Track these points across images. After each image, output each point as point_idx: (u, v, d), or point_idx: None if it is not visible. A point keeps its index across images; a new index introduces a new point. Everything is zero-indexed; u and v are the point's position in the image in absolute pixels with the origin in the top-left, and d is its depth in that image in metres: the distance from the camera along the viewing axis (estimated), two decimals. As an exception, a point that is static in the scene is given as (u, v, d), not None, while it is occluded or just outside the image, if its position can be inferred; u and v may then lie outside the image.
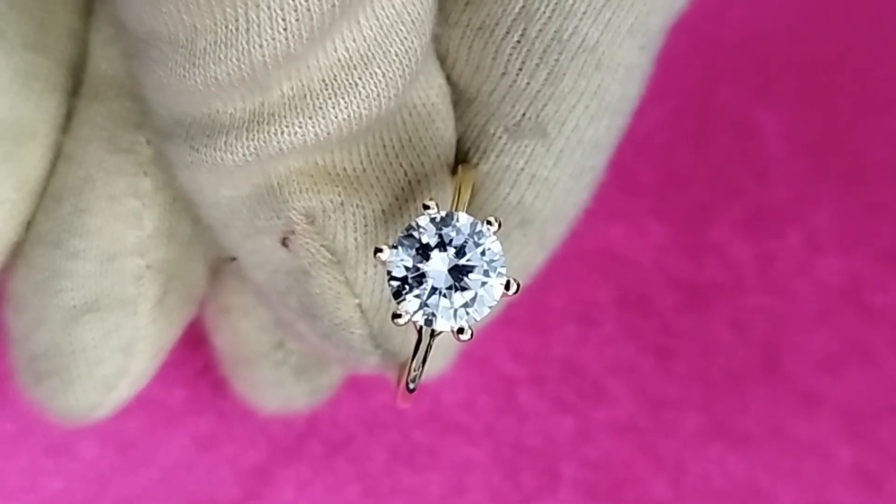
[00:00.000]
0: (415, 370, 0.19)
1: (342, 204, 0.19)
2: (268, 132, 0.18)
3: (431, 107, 0.20)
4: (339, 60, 0.18)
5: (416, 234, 0.18)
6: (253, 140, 0.18)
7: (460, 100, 0.21)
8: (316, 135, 0.18)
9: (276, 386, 0.25)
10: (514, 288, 0.18)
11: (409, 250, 0.18)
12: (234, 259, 0.22)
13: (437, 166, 0.20)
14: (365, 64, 0.18)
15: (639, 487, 0.29)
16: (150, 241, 0.22)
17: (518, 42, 0.20)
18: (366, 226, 0.20)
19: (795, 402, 0.29)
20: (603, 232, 0.30)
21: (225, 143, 0.18)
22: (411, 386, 0.19)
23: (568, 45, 0.19)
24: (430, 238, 0.18)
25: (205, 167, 0.19)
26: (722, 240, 0.30)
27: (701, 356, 0.29)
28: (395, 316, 0.18)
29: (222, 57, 0.17)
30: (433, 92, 0.20)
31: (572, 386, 0.29)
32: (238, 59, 0.17)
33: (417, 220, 0.18)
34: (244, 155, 0.18)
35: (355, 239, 0.20)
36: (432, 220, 0.18)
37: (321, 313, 0.20)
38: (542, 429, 0.29)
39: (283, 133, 0.18)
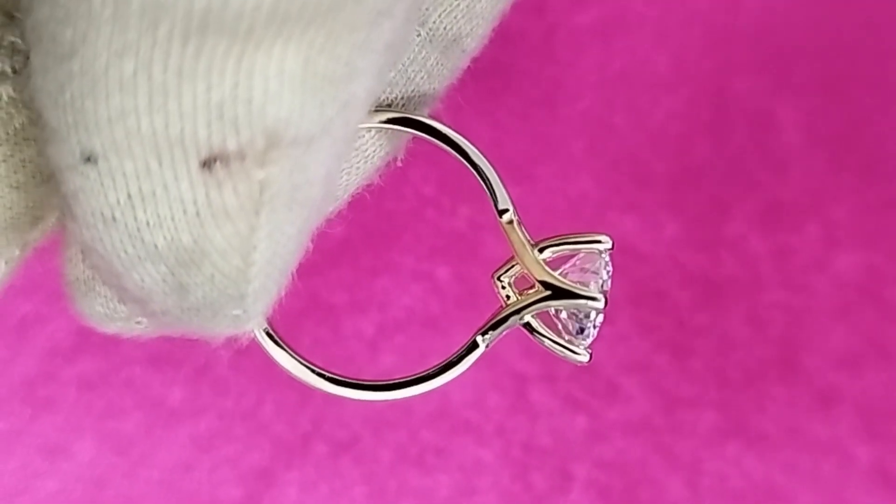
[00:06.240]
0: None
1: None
2: None
3: None
4: None
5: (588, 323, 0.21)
6: None
7: None
8: None
9: None
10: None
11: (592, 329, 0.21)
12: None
13: None
14: None
15: (653, 488, 0.28)
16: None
17: None
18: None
19: (813, 400, 0.28)
20: (615, 225, 0.29)
21: None
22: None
23: None
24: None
25: None
26: (738, 234, 0.29)
27: (717, 353, 0.29)
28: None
29: None
30: None
31: (585, 384, 0.28)
32: None
33: (587, 315, 0.21)
34: None
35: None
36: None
37: (202, 262, 0.16)
38: (554, 428, 0.28)
39: None
